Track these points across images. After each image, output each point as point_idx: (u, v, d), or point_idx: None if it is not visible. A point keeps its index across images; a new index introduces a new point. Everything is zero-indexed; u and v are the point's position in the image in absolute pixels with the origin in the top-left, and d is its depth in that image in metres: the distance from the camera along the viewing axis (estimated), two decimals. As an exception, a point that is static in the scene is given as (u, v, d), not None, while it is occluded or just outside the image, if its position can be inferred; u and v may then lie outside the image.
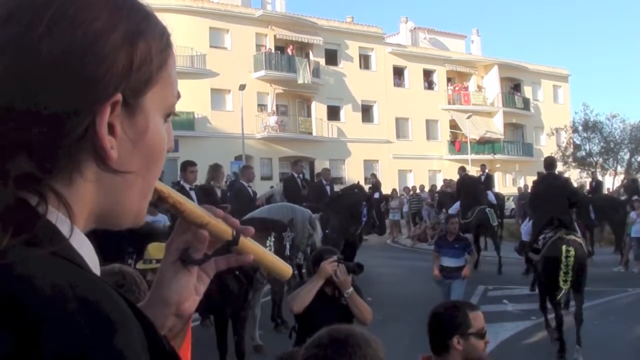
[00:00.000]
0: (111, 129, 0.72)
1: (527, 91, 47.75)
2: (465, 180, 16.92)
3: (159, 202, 0.90)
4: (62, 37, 0.68)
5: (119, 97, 0.71)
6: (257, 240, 0.99)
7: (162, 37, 0.79)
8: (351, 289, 4.42)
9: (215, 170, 9.93)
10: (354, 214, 12.70)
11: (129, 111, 0.74)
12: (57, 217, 0.69)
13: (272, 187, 20.25)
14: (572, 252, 7.61)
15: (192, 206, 0.92)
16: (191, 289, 0.96)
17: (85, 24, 0.70)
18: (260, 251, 0.99)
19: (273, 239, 7.38)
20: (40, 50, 0.67)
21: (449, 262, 8.82)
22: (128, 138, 0.75)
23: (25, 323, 0.58)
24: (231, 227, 0.95)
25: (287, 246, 7.80)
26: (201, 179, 10.23)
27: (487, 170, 22.16)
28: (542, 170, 9.34)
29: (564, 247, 7.66)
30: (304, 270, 8.91)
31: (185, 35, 32.34)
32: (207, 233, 0.93)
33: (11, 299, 0.59)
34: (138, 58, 0.73)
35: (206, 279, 0.99)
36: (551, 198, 8.37)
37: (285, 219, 8.03)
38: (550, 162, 9.05)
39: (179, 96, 0.84)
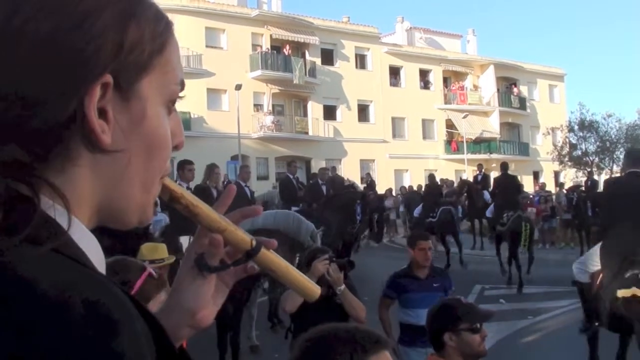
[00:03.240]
0: (104, 113, 0.69)
1: (523, 90, 47.82)
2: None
3: (170, 202, 0.85)
4: (50, 17, 0.66)
5: (108, 78, 0.69)
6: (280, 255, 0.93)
7: (158, 21, 0.77)
8: (343, 286, 4.43)
9: (210, 170, 9.90)
10: (349, 213, 12.68)
11: (122, 96, 0.71)
12: (54, 211, 0.66)
13: (274, 187, 20.18)
14: (528, 225, 12.75)
15: (207, 210, 0.88)
16: (208, 297, 0.91)
17: (74, 3, 0.68)
18: (283, 266, 0.93)
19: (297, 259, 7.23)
20: (25, 31, 0.65)
21: (422, 316, 3.78)
22: (122, 124, 0.72)
23: (23, 324, 0.56)
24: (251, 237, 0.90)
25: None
26: (197, 179, 10.20)
27: (483, 170, 22.19)
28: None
29: (523, 222, 12.55)
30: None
31: (181, 35, 31.87)
32: (221, 237, 0.88)
33: (9, 299, 0.57)
34: (129, 40, 0.71)
35: (224, 288, 0.95)
36: (505, 190, 13.33)
37: (292, 229, 7.95)
38: (505, 166, 14.19)
39: (182, 84, 0.81)
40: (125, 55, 0.71)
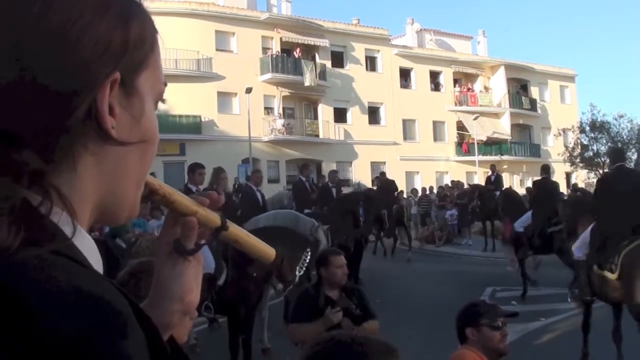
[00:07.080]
0: (110, 109, 0.72)
1: (534, 92, 47.61)
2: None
3: (150, 196, 0.90)
4: (60, 16, 0.68)
5: (117, 75, 0.72)
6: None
7: (150, 20, 0.81)
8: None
9: (216, 174, 9.85)
10: (354, 214, 12.78)
11: (126, 92, 0.75)
12: (60, 217, 0.68)
13: (288, 189, 20.25)
14: (405, 211, 19.05)
15: (180, 197, 0.93)
16: (192, 278, 0.95)
17: (81, 3, 0.71)
18: (244, 235, 1.02)
19: (309, 257, 7.21)
20: (39, 28, 0.67)
21: None
22: (126, 120, 0.75)
23: (22, 315, 0.57)
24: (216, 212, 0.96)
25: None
26: (207, 183, 10.22)
27: (496, 171, 22.08)
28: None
29: (403, 210, 18.89)
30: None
31: (191, 39, 32.43)
32: (195, 219, 0.93)
33: (9, 291, 0.58)
34: (132, 37, 0.75)
35: (199, 267, 0.98)
36: (385, 191, 17.67)
37: (291, 223, 8.01)
38: (383, 174, 19.01)
39: (165, 84, 0.86)
40: (130, 51, 0.74)
